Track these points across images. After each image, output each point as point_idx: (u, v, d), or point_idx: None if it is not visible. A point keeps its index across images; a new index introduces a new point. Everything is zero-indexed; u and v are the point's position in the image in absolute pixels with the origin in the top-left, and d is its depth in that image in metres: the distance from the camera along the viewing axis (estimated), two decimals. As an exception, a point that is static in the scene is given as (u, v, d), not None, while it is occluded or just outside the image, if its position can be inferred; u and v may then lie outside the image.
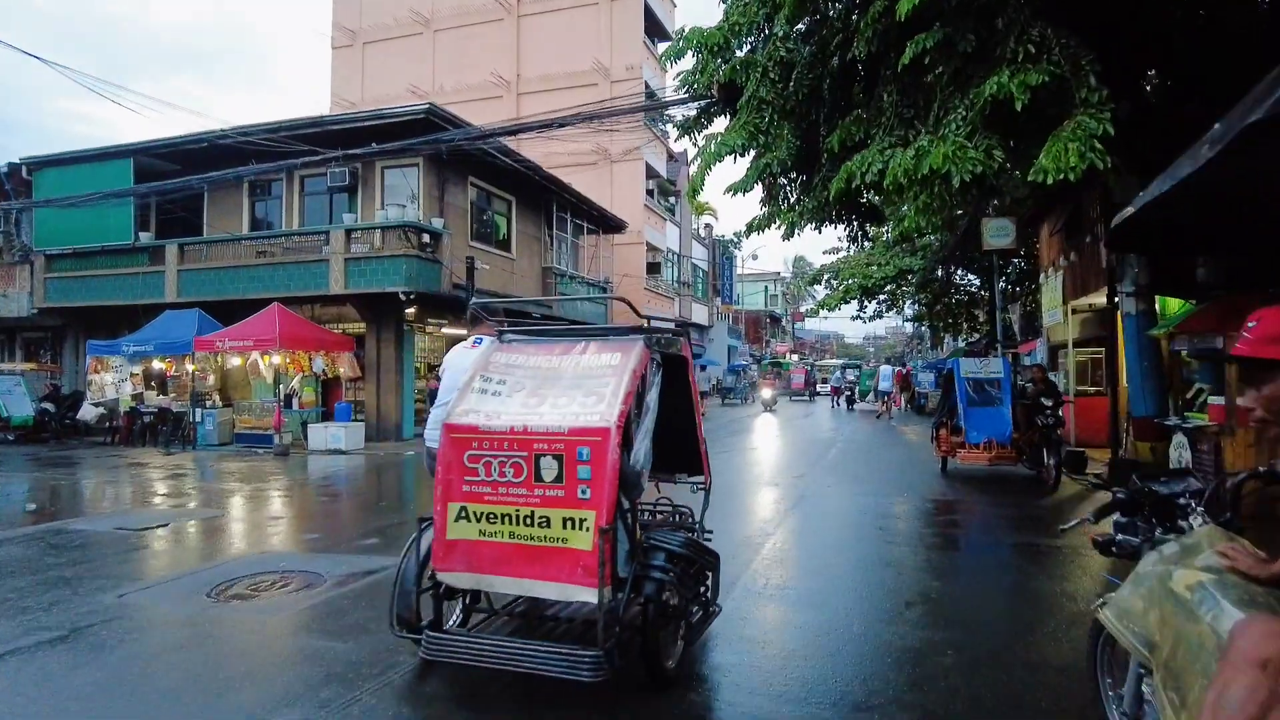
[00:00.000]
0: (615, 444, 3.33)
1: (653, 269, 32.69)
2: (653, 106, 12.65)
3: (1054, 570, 5.86)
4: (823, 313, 31.41)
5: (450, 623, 3.90)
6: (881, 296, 30.19)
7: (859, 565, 5.96)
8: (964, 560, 6.43)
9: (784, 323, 65.81)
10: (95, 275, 18.76)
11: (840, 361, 50.92)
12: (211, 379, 18.26)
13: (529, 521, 3.40)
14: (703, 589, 4.11)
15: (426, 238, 16.27)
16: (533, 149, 23.42)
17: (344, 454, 15.14)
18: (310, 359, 16.62)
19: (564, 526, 3.34)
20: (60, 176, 18.90)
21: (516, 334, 4.16)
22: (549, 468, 3.39)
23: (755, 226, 10.84)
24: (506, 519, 3.43)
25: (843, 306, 29.93)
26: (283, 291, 16.89)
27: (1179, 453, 8.90)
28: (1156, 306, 10.28)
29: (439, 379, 4.64)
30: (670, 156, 37.33)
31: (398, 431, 17.12)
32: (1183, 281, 9.91)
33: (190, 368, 17.20)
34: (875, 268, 27.84)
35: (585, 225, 25.23)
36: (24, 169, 19.32)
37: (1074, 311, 14.65)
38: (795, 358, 54.60)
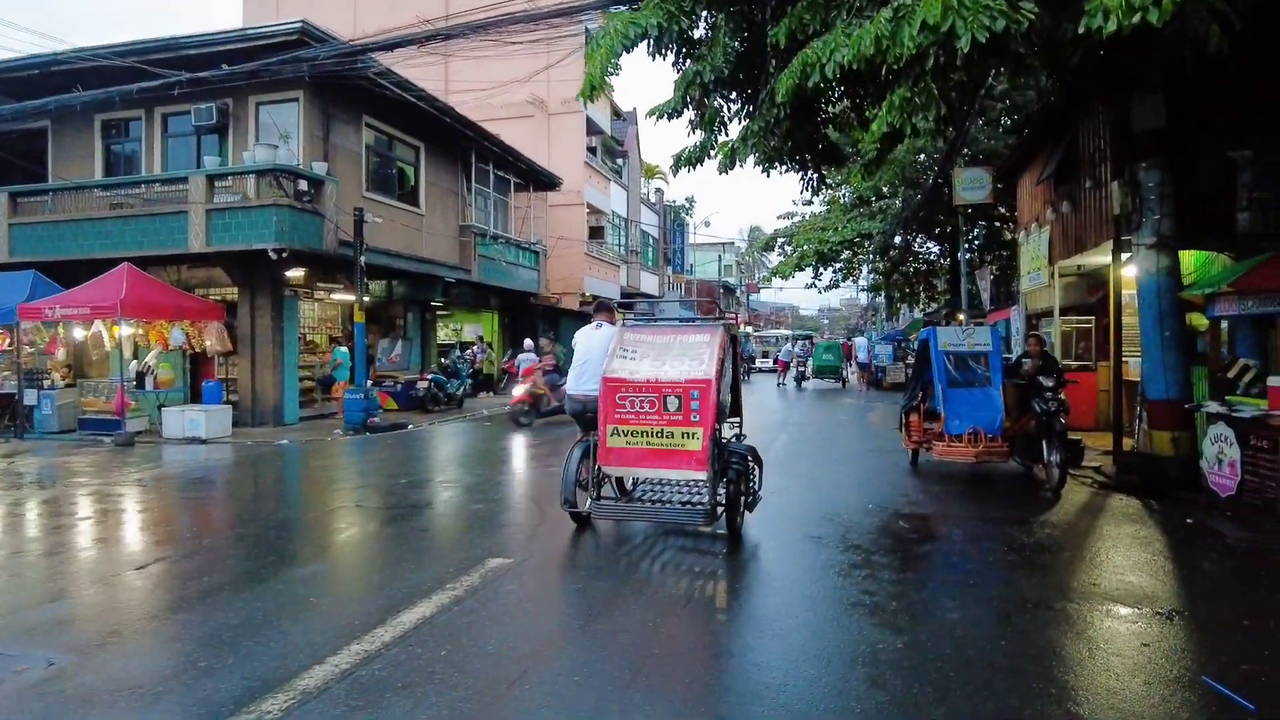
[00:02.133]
0: (715, 389, 5.70)
1: (595, 233, 30.06)
2: (563, 10, 10.15)
3: (1118, 652, 3.76)
4: (776, 281, 29.33)
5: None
6: (837, 264, 28.19)
7: (831, 672, 3.73)
8: (978, 651, 4.12)
9: (738, 294, 63.66)
10: (-90, 231, 15.63)
11: (788, 332, 48.31)
12: (62, 354, 15.40)
13: (659, 435, 5.78)
14: (753, 480, 6.25)
15: (304, 184, 13.52)
16: (464, 99, 20.66)
17: (203, 443, 12.55)
18: (169, 329, 13.92)
19: (682, 437, 5.72)
20: None
21: (635, 320, 7.19)
22: (673, 403, 5.75)
23: (686, 160, 8.51)
24: (644, 434, 5.82)
25: (797, 274, 27.90)
26: (139, 250, 14.07)
27: (1219, 448, 6.92)
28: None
29: (570, 350, 7.00)
30: (616, 114, 34.63)
31: (277, 415, 14.50)
32: (1218, 229, 7.91)
33: (25, 341, 14.33)
34: (831, 232, 25.80)
35: (513, 180, 22.54)
36: None
37: (1060, 274, 12.69)
38: (750, 329, 52.20)
